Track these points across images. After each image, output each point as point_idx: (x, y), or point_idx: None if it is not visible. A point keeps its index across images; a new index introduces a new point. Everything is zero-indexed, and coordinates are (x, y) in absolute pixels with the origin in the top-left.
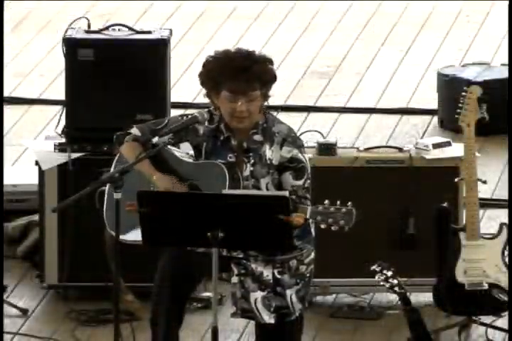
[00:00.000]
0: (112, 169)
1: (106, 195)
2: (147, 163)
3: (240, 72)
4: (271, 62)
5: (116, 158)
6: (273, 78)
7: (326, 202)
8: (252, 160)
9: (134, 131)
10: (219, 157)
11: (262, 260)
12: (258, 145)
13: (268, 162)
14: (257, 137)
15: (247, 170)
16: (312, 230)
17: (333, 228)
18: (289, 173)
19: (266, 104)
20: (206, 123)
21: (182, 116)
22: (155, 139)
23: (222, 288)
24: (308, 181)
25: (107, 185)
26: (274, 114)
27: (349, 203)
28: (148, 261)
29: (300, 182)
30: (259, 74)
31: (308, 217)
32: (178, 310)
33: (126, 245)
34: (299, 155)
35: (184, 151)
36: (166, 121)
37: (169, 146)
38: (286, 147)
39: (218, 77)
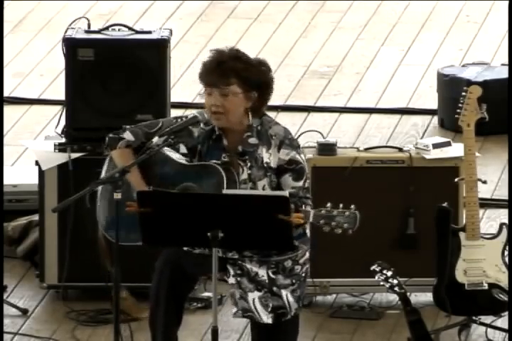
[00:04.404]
0: (104, 169)
1: (98, 195)
2: (136, 174)
3: (214, 65)
4: (264, 65)
5: (108, 158)
6: (263, 81)
7: (329, 205)
8: (249, 164)
9: (127, 135)
10: (213, 157)
11: (257, 261)
12: (254, 149)
13: (265, 165)
14: (252, 140)
15: (245, 173)
16: (307, 231)
17: (336, 231)
18: (288, 175)
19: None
20: (202, 125)
21: (176, 118)
22: (155, 139)
23: (221, 288)
24: (308, 181)
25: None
26: (274, 114)
27: (352, 206)
28: (147, 261)
29: (300, 184)
30: (237, 70)
31: (311, 220)
32: (176, 311)
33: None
34: (297, 156)
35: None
36: (160, 124)
37: (165, 148)
38: (284, 149)
39: (201, 73)
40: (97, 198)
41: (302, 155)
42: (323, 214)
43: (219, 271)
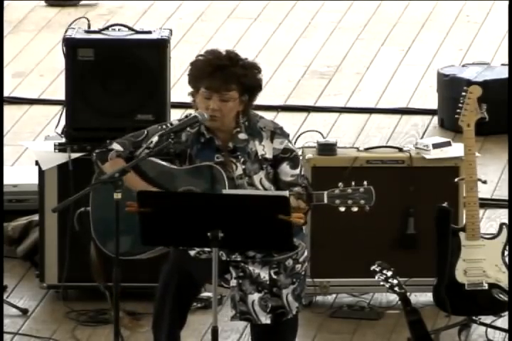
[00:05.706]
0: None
1: (91, 214)
2: (133, 177)
3: (217, 70)
4: (257, 69)
5: (96, 175)
6: (256, 85)
7: (340, 184)
8: (242, 159)
9: (115, 146)
10: (205, 159)
11: (259, 262)
12: (244, 144)
13: (260, 157)
14: (242, 135)
15: (239, 168)
16: (303, 227)
17: (353, 209)
18: (285, 164)
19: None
20: (188, 128)
21: (161, 125)
22: (155, 139)
23: (221, 288)
24: (303, 169)
25: (90, 206)
26: (274, 114)
27: (365, 182)
28: (147, 261)
29: (297, 171)
30: (238, 76)
31: (326, 202)
32: (181, 315)
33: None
34: (289, 144)
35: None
36: (146, 132)
37: (152, 158)
38: (277, 139)
39: (199, 74)
40: (90, 213)
41: (292, 144)
42: (338, 194)
43: (222, 274)
